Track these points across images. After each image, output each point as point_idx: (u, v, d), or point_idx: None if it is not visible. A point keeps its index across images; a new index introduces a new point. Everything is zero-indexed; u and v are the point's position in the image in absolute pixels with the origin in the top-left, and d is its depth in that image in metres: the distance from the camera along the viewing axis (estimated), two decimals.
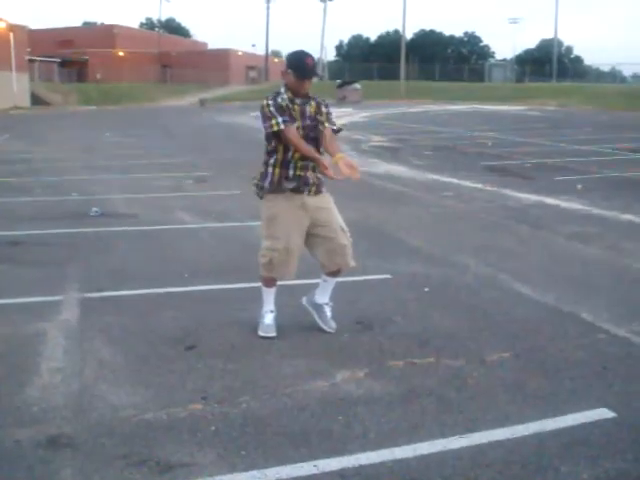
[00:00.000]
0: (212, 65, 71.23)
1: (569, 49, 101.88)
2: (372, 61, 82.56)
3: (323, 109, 4.93)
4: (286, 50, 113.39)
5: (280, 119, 4.77)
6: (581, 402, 4.00)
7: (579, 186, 12.30)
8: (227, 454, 3.39)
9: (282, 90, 4.91)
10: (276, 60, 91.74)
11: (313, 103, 4.91)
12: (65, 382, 4.23)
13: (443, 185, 12.77)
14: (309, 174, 4.93)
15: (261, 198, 5.12)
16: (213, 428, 3.65)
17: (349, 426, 3.70)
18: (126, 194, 11.51)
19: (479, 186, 12.60)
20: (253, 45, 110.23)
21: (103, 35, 72.72)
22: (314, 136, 4.88)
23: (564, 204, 10.75)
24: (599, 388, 4.20)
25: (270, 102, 4.84)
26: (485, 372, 4.45)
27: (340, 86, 52.51)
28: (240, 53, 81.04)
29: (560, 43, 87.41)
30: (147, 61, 71.84)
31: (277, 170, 4.96)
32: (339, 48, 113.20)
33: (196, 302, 5.88)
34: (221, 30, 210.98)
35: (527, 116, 36.49)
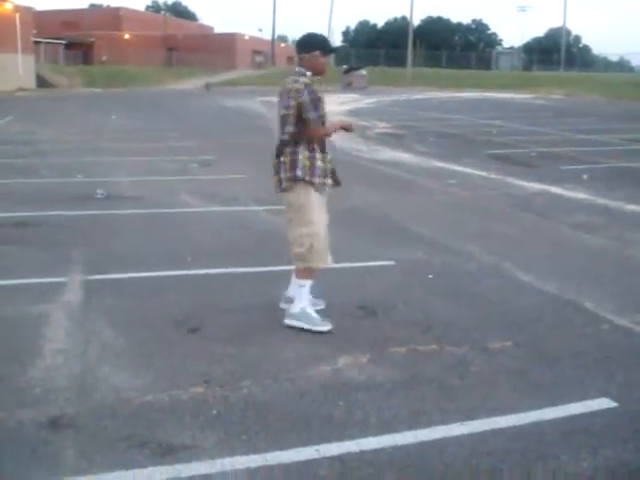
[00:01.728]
0: (218, 49, 70.99)
1: (577, 38, 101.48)
2: (379, 47, 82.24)
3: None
4: (293, 35, 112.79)
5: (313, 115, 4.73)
6: (583, 391, 4.00)
7: (584, 176, 12.26)
8: (228, 438, 3.40)
9: (308, 74, 4.78)
10: (282, 45, 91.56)
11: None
12: (67, 364, 4.24)
13: (448, 173, 12.73)
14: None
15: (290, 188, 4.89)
16: (215, 412, 3.66)
17: (350, 411, 3.70)
18: (131, 177, 11.51)
19: (484, 174, 12.56)
20: (260, 29, 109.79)
21: (109, 17, 72.46)
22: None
23: (569, 193, 10.71)
24: (601, 378, 4.20)
25: (314, 88, 4.74)
26: (487, 360, 4.45)
27: (346, 72, 52.28)
28: (246, 37, 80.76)
29: (568, 32, 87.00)
30: (153, 44, 71.59)
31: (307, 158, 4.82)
32: (346, 34, 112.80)
33: (199, 286, 5.89)
34: (227, 14, 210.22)
35: (533, 104, 36.35)
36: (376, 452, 3.30)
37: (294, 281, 5.06)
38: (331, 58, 5.01)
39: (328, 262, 4.91)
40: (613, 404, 3.84)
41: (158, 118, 24.74)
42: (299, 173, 4.75)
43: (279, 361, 4.34)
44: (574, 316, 5.32)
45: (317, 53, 4.78)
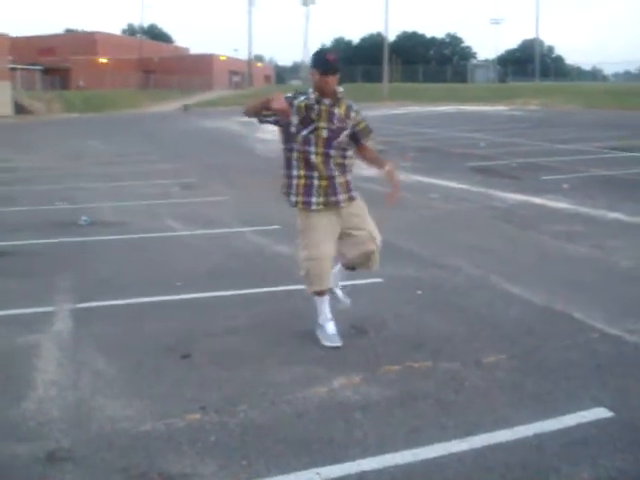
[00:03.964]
0: (195, 70, 71.09)
1: (550, 49, 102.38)
2: (355, 63, 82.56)
3: (352, 114, 4.80)
4: (269, 55, 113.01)
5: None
6: (578, 402, 4.01)
7: (565, 185, 12.37)
8: (229, 464, 3.37)
9: (310, 90, 4.76)
10: (259, 65, 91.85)
11: (343, 105, 4.78)
12: (61, 395, 4.20)
13: (430, 187, 12.79)
14: (337, 181, 4.84)
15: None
16: (213, 438, 3.63)
17: (349, 432, 3.69)
18: (114, 202, 11.47)
19: (465, 187, 12.64)
20: (235, 50, 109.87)
21: (85, 42, 72.39)
22: (341, 140, 4.77)
23: (551, 203, 10.80)
24: (595, 387, 4.22)
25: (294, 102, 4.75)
26: (482, 374, 4.46)
27: None
28: (223, 58, 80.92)
29: (542, 43, 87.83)
30: (129, 67, 71.60)
31: (302, 181, 4.84)
32: None
33: (189, 310, 5.86)
34: (203, 35, 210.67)
35: (510, 116, 36.65)
36: (377, 472, 3.29)
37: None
38: (333, 79, 4.85)
39: (325, 285, 4.97)
40: (609, 414, 3.86)
41: (137, 142, 24.69)
42: (281, 191, 4.95)
43: (274, 384, 4.32)
44: (564, 326, 5.35)
45: (314, 71, 4.68)
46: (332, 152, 4.77)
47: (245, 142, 23.22)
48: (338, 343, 4.94)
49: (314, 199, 4.81)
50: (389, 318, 5.52)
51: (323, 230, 4.86)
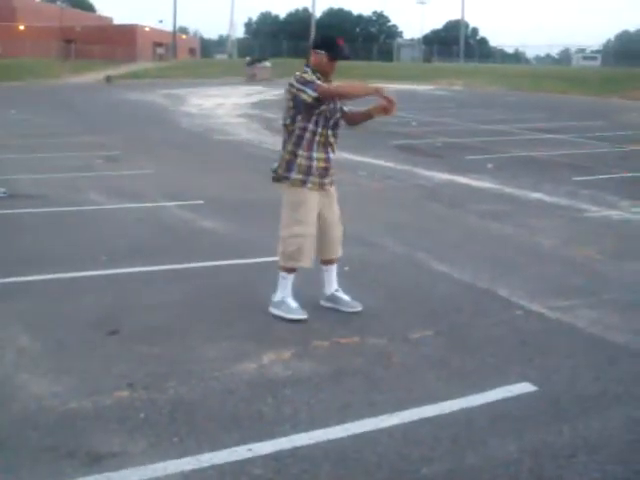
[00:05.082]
0: (118, 41, 69.22)
1: (475, 30, 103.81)
2: (282, 39, 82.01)
3: None
4: (194, 27, 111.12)
5: (308, 89, 4.70)
6: (503, 377, 4.11)
7: (489, 165, 12.61)
8: (159, 441, 3.32)
9: (309, 71, 4.82)
10: (184, 37, 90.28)
11: None
12: None
13: (356, 164, 12.83)
14: (331, 164, 4.98)
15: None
16: (142, 415, 3.58)
17: (279, 408, 3.69)
18: (34, 174, 11.11)
19: (392, 165, 12.76)
20: (160, 21, 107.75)
21: (3, 7, 69.60)
22: (336, 119, 4.95)
23: (475, 183, 11.00)
24: (520, 363, 4.33)
25: (305, 75, 4.78)
26: (409, 350, 4.53)
27: (250, 64, 51.81)
28: (147, 29, 79.05)
29: (466, 24, 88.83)
30: (50, 36, 69.16)
31: (303, 162, 4.91)
32: (248, 25, 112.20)
33: (114, 286, 5.74)
34: (126, 5, 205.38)
35: (435, 95, 37.07)
36: (309, 448, 3.30)
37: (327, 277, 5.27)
38: (336, 65, 4.89)
39: (308, 263, 5.07)
40: (533, 388, 3.97)
41: (59, 113, 23.96)
42: (293, 175, 4.92)
43: (203, 360, 4.28)
44: (489, 303, 5.47)
45: (323, 53, 4.80)
46: (338, 131, 4.96)
47: (170, 116, 22.84)
48: (304, 315, 4.98)
49: (311, 178, 4.92)
50: (317, 294, 5.51)
51: (314, 209, 4.99)
